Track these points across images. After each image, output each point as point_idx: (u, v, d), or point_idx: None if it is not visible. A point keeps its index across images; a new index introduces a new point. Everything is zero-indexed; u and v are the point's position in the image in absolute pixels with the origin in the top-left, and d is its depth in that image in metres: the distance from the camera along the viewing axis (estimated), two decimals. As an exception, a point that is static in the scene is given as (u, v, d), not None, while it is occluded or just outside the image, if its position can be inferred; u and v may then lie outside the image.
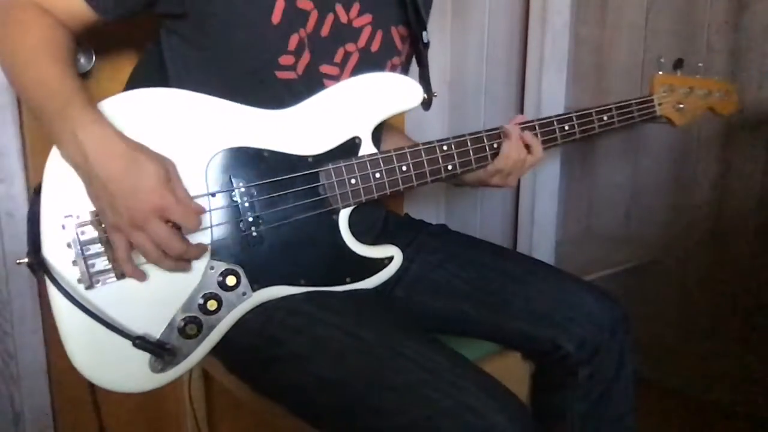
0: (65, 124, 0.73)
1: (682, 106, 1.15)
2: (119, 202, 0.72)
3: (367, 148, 0.87)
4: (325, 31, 0.86)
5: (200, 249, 0.79)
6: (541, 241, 1.79)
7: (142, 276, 0.78)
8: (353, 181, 0.86)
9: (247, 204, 0.81)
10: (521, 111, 1.81)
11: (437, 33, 1.71)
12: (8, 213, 1.10)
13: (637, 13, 1.85)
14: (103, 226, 0.76)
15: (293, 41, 0.83)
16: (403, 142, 1.01)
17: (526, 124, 0.98)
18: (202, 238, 0.80)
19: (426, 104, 0.92)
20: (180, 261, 0.77)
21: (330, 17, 0.86)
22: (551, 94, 1.70)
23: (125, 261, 0.76)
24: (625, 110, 1.07)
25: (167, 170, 0.75)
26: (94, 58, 1.10)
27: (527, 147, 0.96)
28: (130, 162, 0.72)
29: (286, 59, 0.84)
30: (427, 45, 0.95)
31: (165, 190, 0.73)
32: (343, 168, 0.86)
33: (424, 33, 0.94)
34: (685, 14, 1.76)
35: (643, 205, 1.94)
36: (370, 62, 0.91)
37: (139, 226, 0.73)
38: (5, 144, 1.09)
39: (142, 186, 0.72)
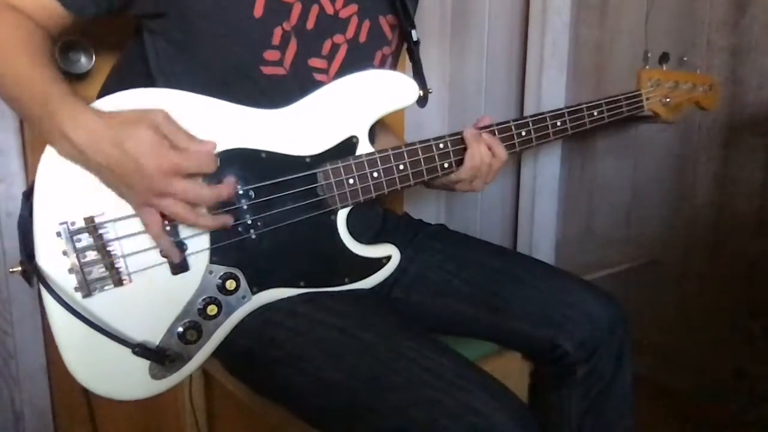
0: (50, 122, 0.71)
1: (668, 100, 1.15)
2: (133, 181, 0.71)
3: (364, 147, 0.87)
4: (310, 23, 0.86)
5: (229, 186, 0.77)
6: (540, 241, 1.79)
7: (176, 250, 0.77)
8: (351, 181, 0.86)
9: (245, 206, 0.81)
10: (521, 111, 1.81)
11: (437, 33, 1.71)
12: (8, 213, 1.11)
13: (637, 13, 1.85)
14: (99, 233, 0.75)
15: (277, 35, 0.83)
16: (394, 141, 1.01)
17: (495, 127, 0.95)
18: (201, 241, 0.79)
19: (422, 101, 0.92)
20: (218, 217, 0.77)
21: (315, 9, 0.86)
22: (551, 95, 1.70)
23: (160, 236, 0.75)
24: (613, 105, 1.07)
25: (157, 128, 0.72)
26: (94, 58, 1.10)
27: (490, 150, 0.93)
28: (122, 140, 0.70)
29: (271, 54, 0.83)
30: (417, 43, 0.95)
31: (163, 150, 0.71)
32: (341, 168, 0.85)
33: (413, 31, 0.94)
34: (685, 14, 1.76)
35: (643, 205, 1.94)
36: (358, 53, 0.91)
37: (162, 193, 0.72)
38: (5, 144, 1.09)
39: (142, 157, 0.70)
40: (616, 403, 0.96)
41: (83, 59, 1.10)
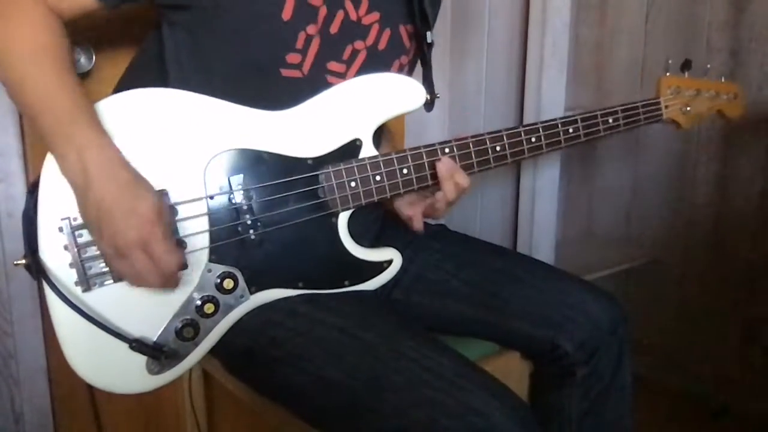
0: (69, 142, 0.71)
1: (688, 108, 1.12)
2: (107, 226, 0.71)
3: (367, 150, 0.87)
4: (334, 28, 0.85)
5: (177, 281, 0.78)
6: (541, 241, 1.79)
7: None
8: (353, 183, 0.85)
9: (245, 207, 0.81)
10: (521, 111, 1.81)
11: (437, 33, 1.71)
12: (8, 213, 1.11)
13: (637, 13, 1.85)
14: None
15: (301, 38, 0.82)
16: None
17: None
18: (201, 240, 0.80)
19: (429, 105, 0.91)
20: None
21: (340, 14, 0.86)
22: (551, 95, 1.70)
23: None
24: (630, 113, 1.04)
25: (162, 206, 0.73)
26: (94, 58, 1.10)
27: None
28: (130, 189, 0.71)
29: (293, 57, 0.83)
30: (431, 45, 0.95)
31: (156, 222, 0.72)
32: (343, 170, 0.85)
33: (428, 33, 0.94)
34: (685, 14, 1.76)
35: (643, 206, 1.94)
36: (377, 61, 0.90)
37: (121, 254, 0.71)
38: (5, 144, 1.09)
39: (135, 212, 0.71)
40: (615, 403, 0.96)
41: (83, 59, 1.10)
